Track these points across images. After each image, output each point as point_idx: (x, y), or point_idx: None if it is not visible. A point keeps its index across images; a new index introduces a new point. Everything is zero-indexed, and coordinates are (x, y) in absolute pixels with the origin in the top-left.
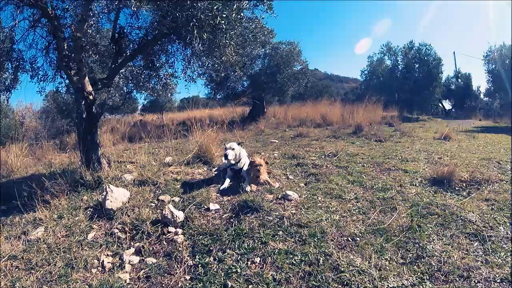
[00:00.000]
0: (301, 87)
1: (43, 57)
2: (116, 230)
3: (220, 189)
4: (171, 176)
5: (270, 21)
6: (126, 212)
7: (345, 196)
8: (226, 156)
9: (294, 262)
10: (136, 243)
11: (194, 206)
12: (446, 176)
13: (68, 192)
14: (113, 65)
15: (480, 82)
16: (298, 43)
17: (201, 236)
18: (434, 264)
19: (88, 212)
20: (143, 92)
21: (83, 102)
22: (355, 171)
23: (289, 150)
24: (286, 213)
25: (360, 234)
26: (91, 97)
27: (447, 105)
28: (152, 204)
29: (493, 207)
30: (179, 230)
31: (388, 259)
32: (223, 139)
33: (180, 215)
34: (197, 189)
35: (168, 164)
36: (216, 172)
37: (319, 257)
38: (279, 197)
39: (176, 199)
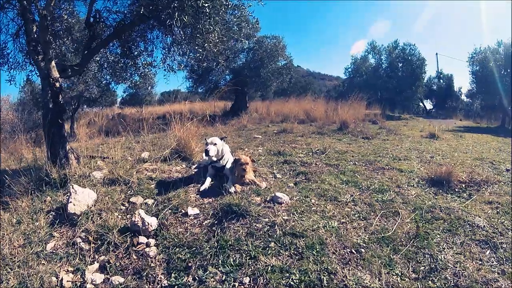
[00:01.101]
0: (284, 83)
1: (13, 43)
2: (78, 240)
3: (200, 189)
4: (146, 174)
5: (256, 11)
6: (92, 218)
7: (341, 198)
8: (207, 152)
9: (292, 283)
10: (101, 256)
11: (169, 211)
12: (444, 176)
13: (32, 192)
14: (86, 51)
15: (461, 83)
16: (282, 38)
17: (177, 249)
18: (449, 278)
19: (50, 216)
20: (120, 83)
21: (49, 91)
22: (347, 169)
23: (274, 146)
24: (277, 220)
25: (364, 245)
26: (57, 84)
27: (428, 104)
28: (122, 207)
29: (498, 210)
30: (152, 241)
31: (399, 274)
32: (203, 133)
33: (153, 222)
34: (174, 190)
35: (144, 160)
36: (196, 170)
37: (321, 276)
38: (268, 199)
39: (150, 201)
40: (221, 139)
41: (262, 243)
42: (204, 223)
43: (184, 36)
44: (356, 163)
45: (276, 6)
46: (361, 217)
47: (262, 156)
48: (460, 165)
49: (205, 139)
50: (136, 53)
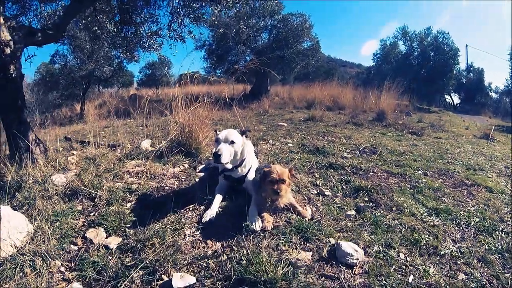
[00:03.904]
0: (310, 66)
1: None
2: None
3: (204, 220)
4: (125, 181)
5: None
6: (11, 276)
7: (441, 248)
8: (217, 157)
9: None
10: None
11: (141, 272)
12: None
13: None
14: (66, 11)
15: (491, 79)
16: (309, 17)
17: None
18: None
19: None
20: (126, 58)
21: None
22: (422, 184)
23: (307, 139)
24: None
25: None
26: (8, 50)
27: (455, 98)
28: (71, 248)
29: None
30: None
31: None
32: (218, 119)
33: None
34: (161, 217)
35: (138, 154)
36: (201, 174)
37: None
38: (325, 254)
39: (114, 242)
40: (242, 133)
41: None
42: None
43: None
44: (427, 172)
45: None
46: None
47: (294, 153)
48: None
49: (215, 132)
50: (138, 20)
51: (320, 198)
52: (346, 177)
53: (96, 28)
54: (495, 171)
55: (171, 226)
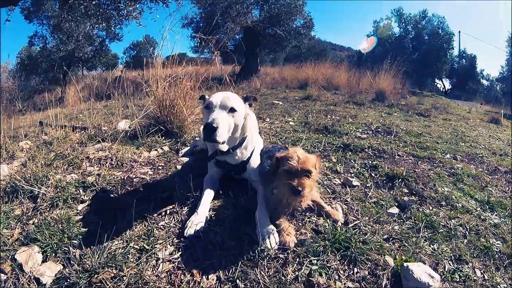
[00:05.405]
0: (302, 44)
1: None
2: None
3: (186, 234)
4: (83, 171)
5: None
6: None
7: None
8: (210, 131)
9: None
10: None
11: None
12: None
13: None
14: None
15: (483, 65)
16: None
17: None
18: None
19: None
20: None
21: None
22: (459, 171)
23: (309, 117)
24: None
25: None
26: None
27: (446, 84)
28: None
29: None
30: None
31: None
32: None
33: None
34: (123, 227)
35: (104, 135)
36: (186, 160)
37: None
38: (385, 287)
39: (49, 272)
40: (245, 100)
41: None
42: None
43: None
44: (456, 156)
45: None
46: None
47: (299, 132)
48: None
49: (203, 97)
50: None
51: (348, 190)
52: (370, 162)
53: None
54: None
55: (136, 244)
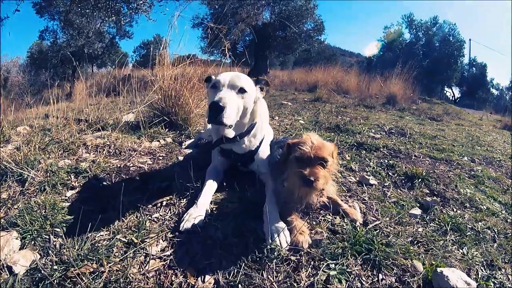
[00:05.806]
0: (312, 48)
1: None
2: None
3: (182, 228)
4: (78, 158)
5: None
6: None
7: None
8: (217, 110)
9: None
10: None
11: None
12: None
13: None
14: None
15: (493, 74)
16: None
17: None
18: None
19: None
20: (111, 20)
21: None
22: (479, 174)
23: (320, 117)
24: None
25: None
26: None
27: (456, 92)
28: None
29: None
30: None
31: None
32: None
33: None
34: (112, 217)
35: (105, 123)
36: (189, 152)
37: None
38: None
39: (24, 261)
40: (257, 82)
41: None
42: None
43: None
44: (474, 159)
45: None
46: None
47: (310, 130)
48: None
49: (209, 78)
50: None
51: (365, 188)
52: (386, 161)
53: None
54: None
55: (124, 236)
